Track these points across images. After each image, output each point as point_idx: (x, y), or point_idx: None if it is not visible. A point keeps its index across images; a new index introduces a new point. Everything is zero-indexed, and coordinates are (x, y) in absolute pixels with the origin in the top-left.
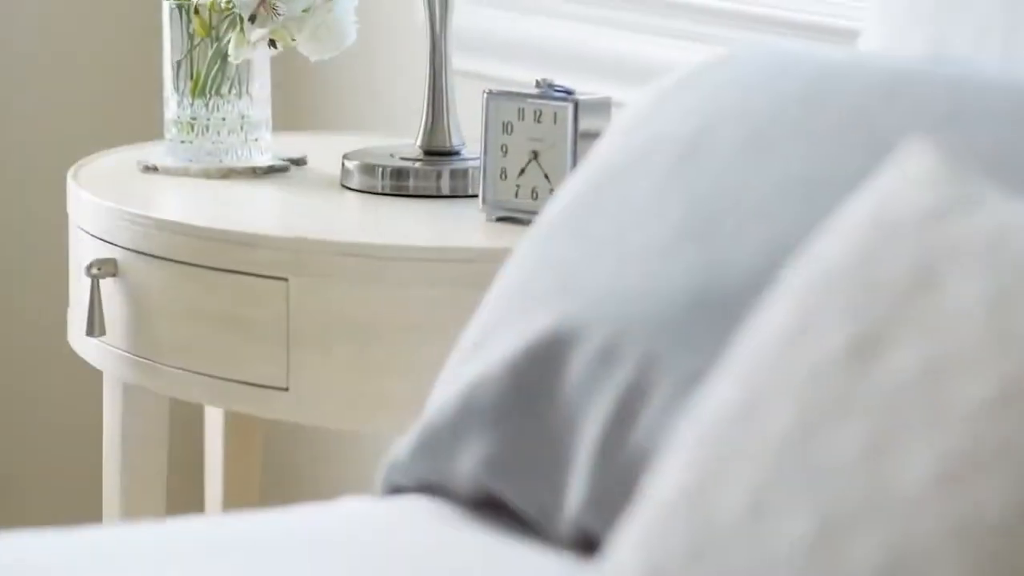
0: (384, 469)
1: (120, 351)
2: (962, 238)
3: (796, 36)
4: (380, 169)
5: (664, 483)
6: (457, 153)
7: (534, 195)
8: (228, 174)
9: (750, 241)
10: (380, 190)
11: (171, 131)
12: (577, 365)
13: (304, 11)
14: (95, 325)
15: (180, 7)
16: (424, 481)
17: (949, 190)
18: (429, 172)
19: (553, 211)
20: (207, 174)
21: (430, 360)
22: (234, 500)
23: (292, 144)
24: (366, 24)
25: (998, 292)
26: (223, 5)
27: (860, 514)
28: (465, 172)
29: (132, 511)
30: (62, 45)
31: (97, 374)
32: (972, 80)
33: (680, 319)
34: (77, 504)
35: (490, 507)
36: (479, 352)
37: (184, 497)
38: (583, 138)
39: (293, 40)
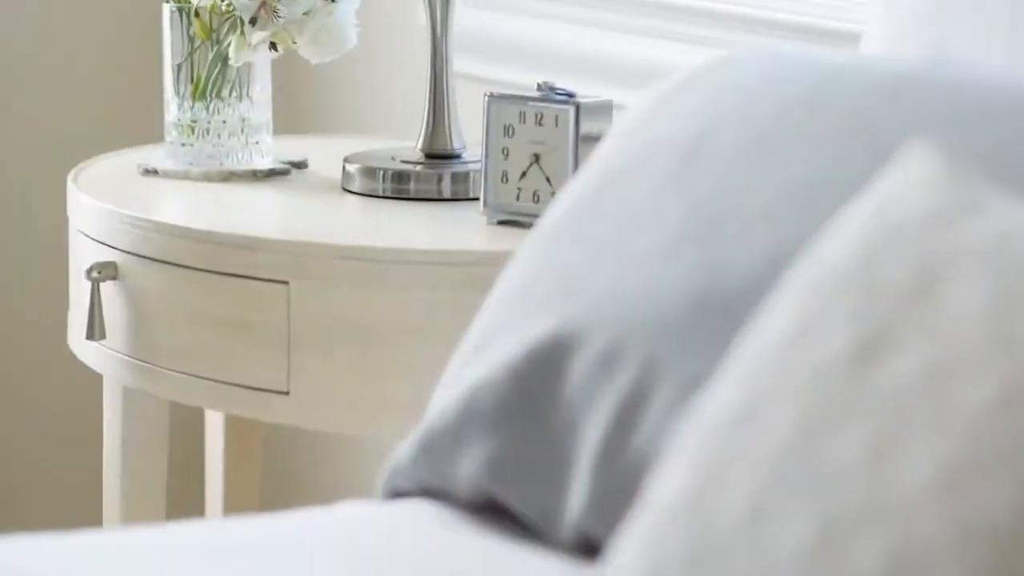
0: (385, 473)
1: (120, 355)
2: (964, 241)
3: (798, 39)
4: (381, 172)
5: (665, 487)
6: (458, 156)
7: (535, 198)
8: (229, 177)
9: (752, 244)
10: (381, 193)
11: (171, 134)
12: (578, 368)
13: (305, 14)
14: (95, 329)
15: (180, 10)
16: (425, 485)
17: (951, 193)
18: (430, 175)
19: (554, 214)
20: (208, 177)
21: (431, 364)
22: (235, 504)
23: (293, 147)
24: (367, 27)
25: (1000, 295)
26: (224, 8)
27: (862, 518)
28: (466, 175)
29: (132, 515)
30: (62, 48)
31: (97, 378)
32: (974, 83)
33: (681, 322)
34: (77, 508)
35: (491, 511)
36: (480, 355)
37: (184, 501)
38: (584, 141)
39: (294, 43)
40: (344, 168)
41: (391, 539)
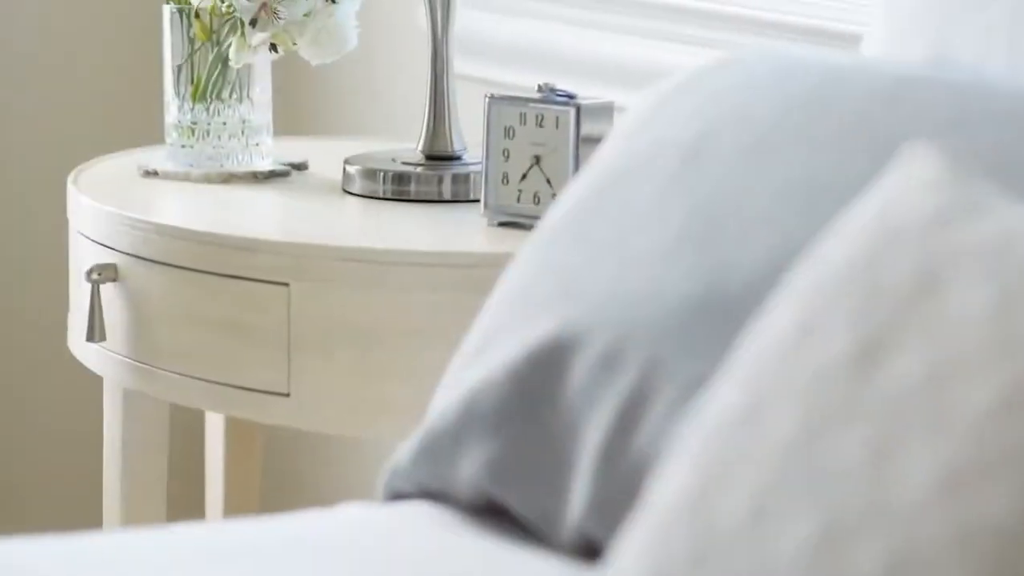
0: (385, 475)
1: (120, 356)
2: (966, 243)
3: (799, 40)
4: (381, 174)
5: (667, 488)
6: (459, 158)
7: (536, 200)
8: (229, 179)
9: (753, 245)
10: (381, 195)
11: (172, 135)
12: (579, 370)
13: (305, 15)
14: (95, 330)
15: (181, 11)
16: (425, 487)
17: (953, 195)
18: (431, 177)
19: (555, 216)
20: (208, 179)
21: (431, 365)
22: (235, 506)
23: (293, 148)
24: (367, 28)
25: (1002, 297)
26: (224, 9)
27: (864, 519)
28: (467, 177)
29: (132, 517)
30: (62, 49)
31: (97, 379)
32: (975, 85)
33: (683, 324)
34: (77, 510)
35: (492, 513)
36: (481, 357)
37: (184, 503)
38: (585, 143)
39: (294, 44)
40: (344, 170)
41: (391, 541)
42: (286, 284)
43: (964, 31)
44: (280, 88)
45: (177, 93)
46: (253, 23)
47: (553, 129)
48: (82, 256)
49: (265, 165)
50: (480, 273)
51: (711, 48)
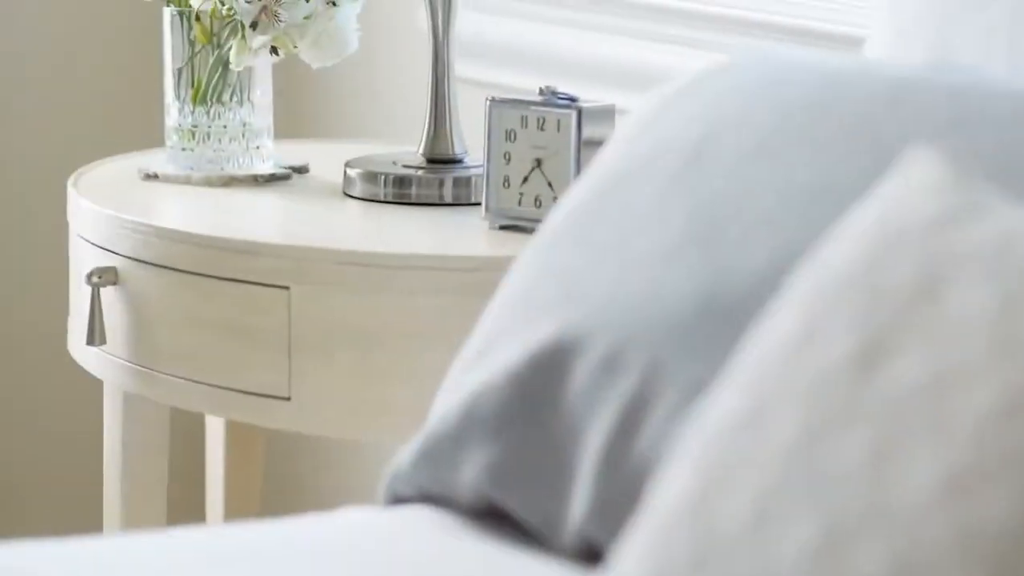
0: (386, 478)
1: (121, 360)
2: (967, 245)
3: (800, 43)
4: (382, 177)
5: (669, 491)
6: (460, 161)
7: (537, 203)
8: (229, 182)
9: (755, 248)
10: (382, 198)
11: (172, 139)
12: (581, 373)
13: (306, 18)
14: (95, 334)
15: (181, 14)
16: (426, 490)
17: (954, 197)
18: (432, 180)
19: (556, 219)
20: (208, 182)
21: (432, 369)
22: (235, 509)
23: (294, 152)
24: (368, 31)
25: (1003, 299)
26: (224, 12)
27: (865, 522)
28: (468, 180)
29: (133, 520)
30: (63, 52)
31: (97, 383)
32: (976, 87)
33: (684, 326)
34: (77, 513)
35: (493, 517)
36: (482, 361)
37: (185, 506)
38: (587, 146)
39: (295, 47)
40: (345, 173)
41: (392, 545)
42: (287, 287)
43: (964, 31)
44: (281, 91)
45: (177, 96)
46: (254, 26)
47: (554, 132)
48: (82, 259)
49: (266, 168)
50: (481, 277)
51: (713, 51)
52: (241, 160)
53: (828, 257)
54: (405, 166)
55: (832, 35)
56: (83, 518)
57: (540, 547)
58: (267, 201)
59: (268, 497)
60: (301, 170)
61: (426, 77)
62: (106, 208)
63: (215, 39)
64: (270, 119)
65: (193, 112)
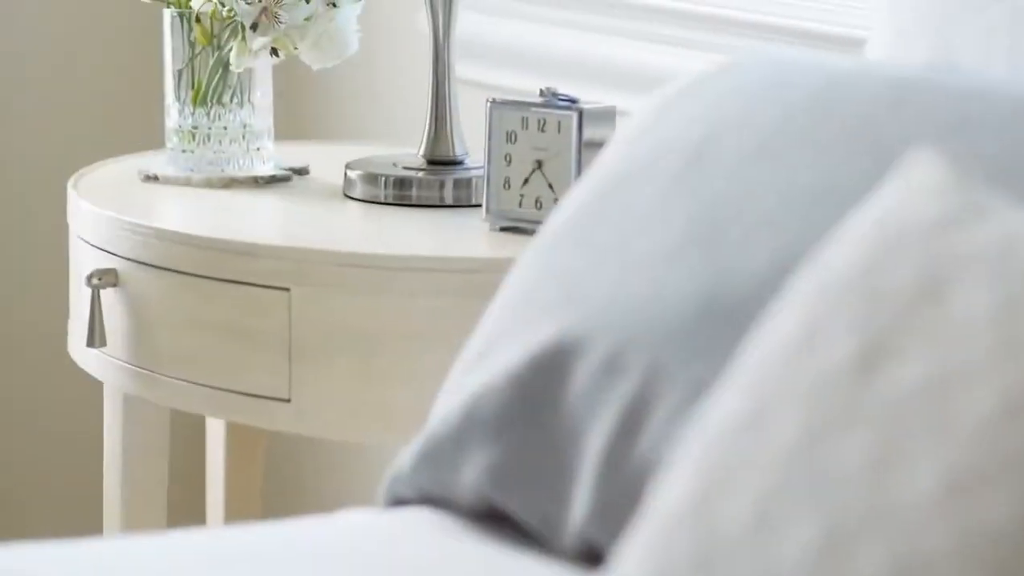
0: (386, 480)
1: (121, 362)
2: (968, 247)
3: (802, 44)
4: (383, 178)
5: (670, 493)
6: (460, 162)
7: (538, 205)
8: (230, 183)
9: (756, 249)
10: (383, 199)
11: (172, 140)
12: (581, 375)
13: (306, 20)
14: (95, 336)
15: (181, 15)
16: (427, 492)
17: (955, 199)
18: (432, 182)
19: (557, 220)
20: (209, 183)
21: (433, 371)
22: (236, 512)
23: (294, 153)
24: (369, 32)
25: (1005, 301)
26: (225, 13)
27: (866, 524)
28: (468, 181)
29: (133, 523)
30: (63, 53)
31: (98, 385)
32: (978, 89)
33: (685, 328)
34: (77, 515)
35: (493, 519)
36: (483, 362)
37: (185, 509)
38: (587, 147)
39: (295, 49)
40: (346, 174)
41: (393, 547)
42: (287, 289)
43: (964, 32)
44: (281, 92)
45: (178, 97)
46: (254, 27)
47: (555, 133)
48: (82, 261)
49: (266, 170)
50: (482, 278)
51: (714, 52)
52: (241, 162)
53: (829, 259)
54: (406, 168)
55: (833, 36)
56: (83, 520)
57: (541, 549)
58: (267, 203)
59: (268, 499)
60: (301, 172)
61: (427, 78)
62: (106, 210)
63: (215, 40)
64: (270, 121)
65: (193, 113)
